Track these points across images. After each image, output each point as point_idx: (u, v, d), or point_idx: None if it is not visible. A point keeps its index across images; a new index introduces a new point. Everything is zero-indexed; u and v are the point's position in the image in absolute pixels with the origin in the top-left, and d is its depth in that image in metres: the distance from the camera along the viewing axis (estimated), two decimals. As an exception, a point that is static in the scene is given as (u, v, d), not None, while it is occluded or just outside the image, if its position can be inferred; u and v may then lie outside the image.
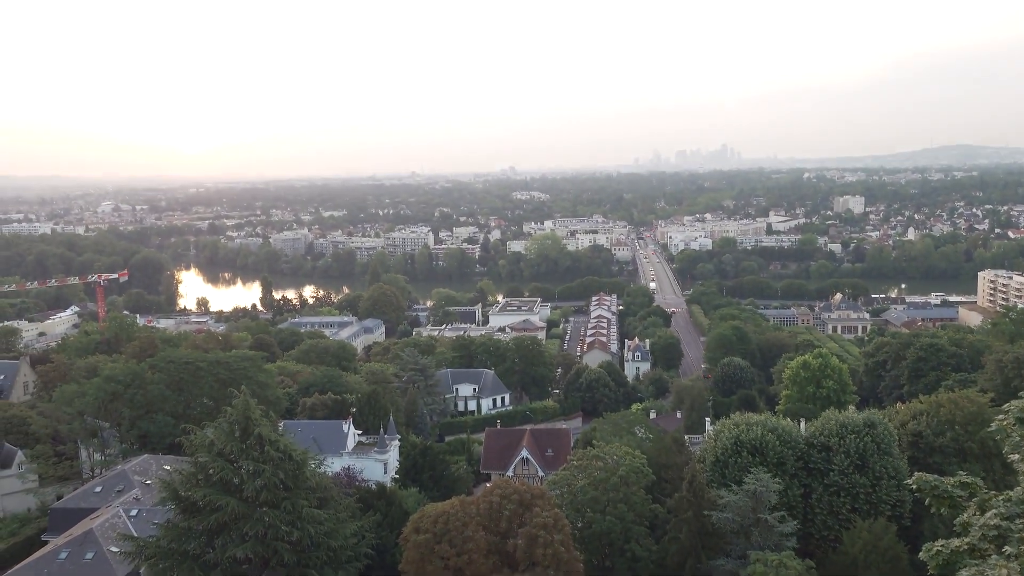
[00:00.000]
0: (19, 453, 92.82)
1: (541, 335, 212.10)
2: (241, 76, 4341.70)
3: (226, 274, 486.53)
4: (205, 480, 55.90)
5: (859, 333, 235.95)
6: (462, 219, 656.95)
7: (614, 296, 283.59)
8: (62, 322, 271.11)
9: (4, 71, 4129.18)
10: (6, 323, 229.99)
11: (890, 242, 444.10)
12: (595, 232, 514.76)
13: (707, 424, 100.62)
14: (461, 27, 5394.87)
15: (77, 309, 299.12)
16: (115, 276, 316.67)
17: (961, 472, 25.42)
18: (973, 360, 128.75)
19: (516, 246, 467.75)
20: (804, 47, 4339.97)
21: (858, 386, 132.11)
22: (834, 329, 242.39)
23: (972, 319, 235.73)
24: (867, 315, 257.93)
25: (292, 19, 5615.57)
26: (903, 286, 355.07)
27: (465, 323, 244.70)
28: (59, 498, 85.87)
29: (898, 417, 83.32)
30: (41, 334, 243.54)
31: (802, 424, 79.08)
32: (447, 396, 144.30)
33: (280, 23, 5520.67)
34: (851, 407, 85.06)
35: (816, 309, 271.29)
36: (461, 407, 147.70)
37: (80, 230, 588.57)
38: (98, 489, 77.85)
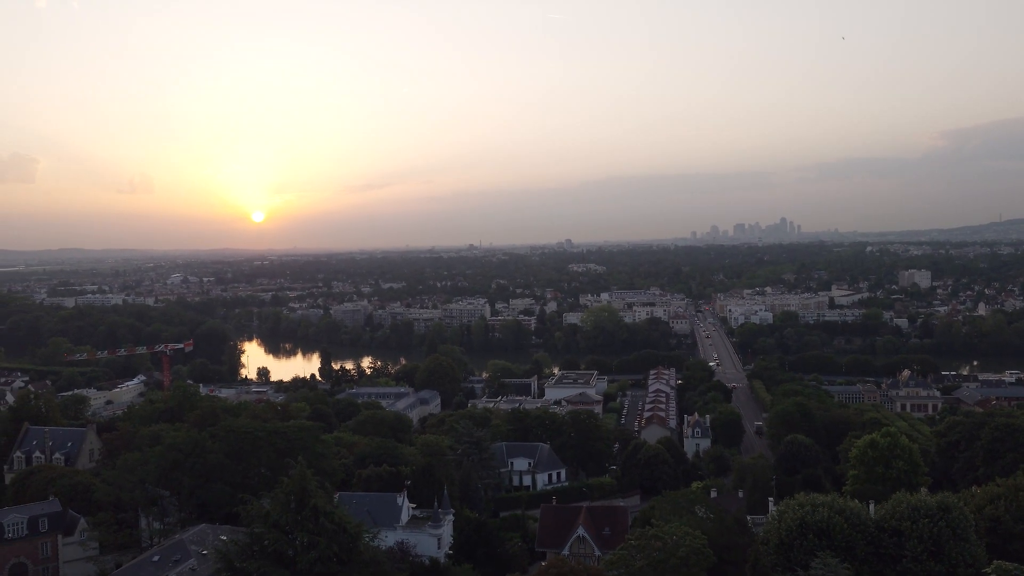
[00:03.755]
0: (81, 520, 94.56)
1: (598, 409, 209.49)
2: (311, 151, 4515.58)
3: (287, 344, 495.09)
4: (260, 552, 56.08)
5: (929, 412, 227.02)
6: (518, 291, 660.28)
7: (672, 370, 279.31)
8: (129, 391, 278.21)
9: (86, 154, 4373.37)
10: (76, 391, 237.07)
11: (959, 317, 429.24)
12: (652, 305, 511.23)
13: (770, 504, 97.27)
14: (517, 101, 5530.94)
15: (144, 378, 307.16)
16: (180, 346, 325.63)
17: (1045, 562, 24.10)
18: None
19: (572, 318, 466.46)
20: (862, 117, 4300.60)
21: (930, 467, 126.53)
22: (903, 407, 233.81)
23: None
24: (938, 393, 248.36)
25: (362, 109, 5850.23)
26: (975, 363, 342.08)
27: (520, 395, 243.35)
28: (118, 566, 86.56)
29: (974, 501, 79.47)
30: (109, 402, 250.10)
31: (871, 506, 75.91)
32: (502, 470, 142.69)
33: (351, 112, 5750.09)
34: (923, 489, 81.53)
35: (883, 386, 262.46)
36: (516, 481, 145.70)
37: (150, 301, 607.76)
38: (156, 558, 78.43)
